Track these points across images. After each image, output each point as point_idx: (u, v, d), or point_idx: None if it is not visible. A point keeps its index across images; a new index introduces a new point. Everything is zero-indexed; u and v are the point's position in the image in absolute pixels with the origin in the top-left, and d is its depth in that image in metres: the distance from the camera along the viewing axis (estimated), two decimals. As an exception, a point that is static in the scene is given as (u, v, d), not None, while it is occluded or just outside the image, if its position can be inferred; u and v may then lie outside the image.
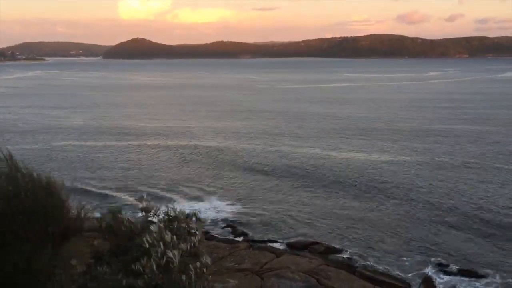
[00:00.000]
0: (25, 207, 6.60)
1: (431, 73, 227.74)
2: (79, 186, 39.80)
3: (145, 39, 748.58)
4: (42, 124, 76.95)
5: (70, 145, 59.24)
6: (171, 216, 7.60)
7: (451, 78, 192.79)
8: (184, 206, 36.61)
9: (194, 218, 7.77)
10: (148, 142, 61.07)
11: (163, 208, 8.31)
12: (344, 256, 27.59)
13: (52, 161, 50.70)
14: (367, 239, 30.01)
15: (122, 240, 6.81)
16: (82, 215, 7.34)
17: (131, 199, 36.18)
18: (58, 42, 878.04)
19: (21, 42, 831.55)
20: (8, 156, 7.49)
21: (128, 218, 8.02)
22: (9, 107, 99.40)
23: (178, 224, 7.14)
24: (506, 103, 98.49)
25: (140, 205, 8.25)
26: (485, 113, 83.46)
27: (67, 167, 47.85)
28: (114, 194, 39.52)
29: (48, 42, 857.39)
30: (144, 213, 8.02)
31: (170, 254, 6.27)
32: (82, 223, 7.21)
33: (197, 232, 6.81)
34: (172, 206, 8.45)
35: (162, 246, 6.33)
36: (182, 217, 7.44)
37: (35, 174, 7.31)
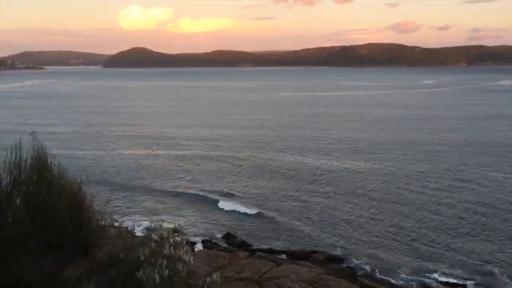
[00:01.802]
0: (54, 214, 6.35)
1: (427, 82, 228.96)
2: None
3: (145, 48, 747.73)
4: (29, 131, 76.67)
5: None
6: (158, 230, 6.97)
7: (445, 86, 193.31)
8: (174, 217, 36.43)
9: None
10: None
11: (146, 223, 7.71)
12: (345, 265, 27.43)
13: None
14: (368, 248, 29.84)
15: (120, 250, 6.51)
16: (106, 225, 7.02)
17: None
18: (58, 51, 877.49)
19: (22, 51, 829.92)
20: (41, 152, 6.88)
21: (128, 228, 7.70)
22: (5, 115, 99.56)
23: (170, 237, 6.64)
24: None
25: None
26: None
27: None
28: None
29: (48, 51, 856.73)
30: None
31: (179, 266, 5.93)
32: (106, 233, 6.88)
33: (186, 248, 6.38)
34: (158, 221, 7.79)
35: (164, 256, 6.00)
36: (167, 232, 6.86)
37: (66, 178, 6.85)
